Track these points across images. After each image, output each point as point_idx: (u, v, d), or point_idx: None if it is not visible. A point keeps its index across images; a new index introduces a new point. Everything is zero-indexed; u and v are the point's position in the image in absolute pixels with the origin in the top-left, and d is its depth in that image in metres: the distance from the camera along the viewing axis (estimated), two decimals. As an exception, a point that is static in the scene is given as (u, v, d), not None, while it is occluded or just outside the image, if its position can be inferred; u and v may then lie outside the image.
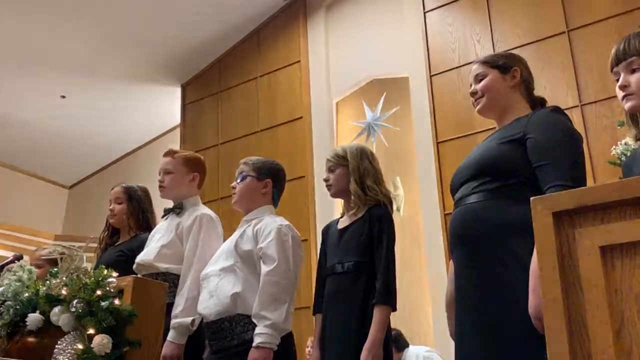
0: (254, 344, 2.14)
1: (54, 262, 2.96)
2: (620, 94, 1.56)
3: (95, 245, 3.08)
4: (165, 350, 2.31)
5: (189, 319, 2.38)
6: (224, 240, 2.56)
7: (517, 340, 1.60)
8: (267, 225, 2.36)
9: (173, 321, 2.38)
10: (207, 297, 2.32)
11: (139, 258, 2.62)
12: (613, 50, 1.58)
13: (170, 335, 2.36)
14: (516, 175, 1.74)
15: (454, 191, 1.90)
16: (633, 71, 1.53)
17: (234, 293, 2.25)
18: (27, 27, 6.08)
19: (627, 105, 1.55)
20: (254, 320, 2.19)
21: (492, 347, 1.65)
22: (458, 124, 5.07)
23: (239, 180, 2.52)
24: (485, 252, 1.71)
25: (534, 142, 1.73)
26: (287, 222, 2.41)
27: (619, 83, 1.56)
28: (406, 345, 4.53)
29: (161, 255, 2.56)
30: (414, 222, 5.24)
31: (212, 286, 2.32)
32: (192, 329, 2.39)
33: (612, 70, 1.59)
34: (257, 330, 2.16)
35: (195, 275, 2.45)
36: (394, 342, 4.47)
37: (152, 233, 2.75)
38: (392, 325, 2.35)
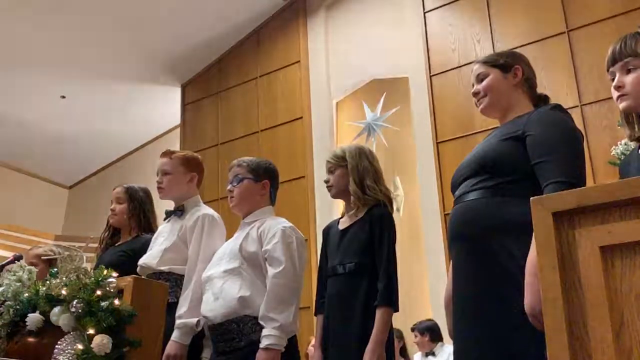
0: (261, 346, 2.14)
1: (49, 262, 2.96)
2: (615, 94, 1.57)
3: (96, 245, 3.08)
4: (169, 349, 2.31)
5: (194, 320, 2.37)
6: (226, 241, 2.56)
7: (514, 339, 1.60)
8: (271, 227, 2.36)
9: (178, 321, 2.37)
10: (212, 300, 2.30)
11: (142, 261, 2.62)
12: (609, 50, 1.59)
13: (175, 334, 2.36)
14: (516, 172, 1.74)
15: (454, 189, 1.90)
16: (628, 71, 1.54)
17: (241, 296, 2.24)
18: (27, 28, 6.08)
19: (622, 105, 1.56)
20: (261, 322, 2.19)
21: (489, 345, 1.65)
22: (458, 124, 5.07)
23: (235, 183, 2.49)
24: (483, 249, 1.71)
25: (534, 139, 1.73)
26: (290, 224, 2.40)
27: (614, 83, 1.56)
28: (440, 338, 4.57)
29: (164, 259, 2.56)
30: (414, 222, 5.24)
31: (216, 288, 2.31)
32: (196, 330, 2.39)
33: (608, 70, 1.60)
34: (265, 332, 2.16)
35: (199, 276, 2.44)
36: (430, 331, 4.59)
37: (155, 236, 2.74)
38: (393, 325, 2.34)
